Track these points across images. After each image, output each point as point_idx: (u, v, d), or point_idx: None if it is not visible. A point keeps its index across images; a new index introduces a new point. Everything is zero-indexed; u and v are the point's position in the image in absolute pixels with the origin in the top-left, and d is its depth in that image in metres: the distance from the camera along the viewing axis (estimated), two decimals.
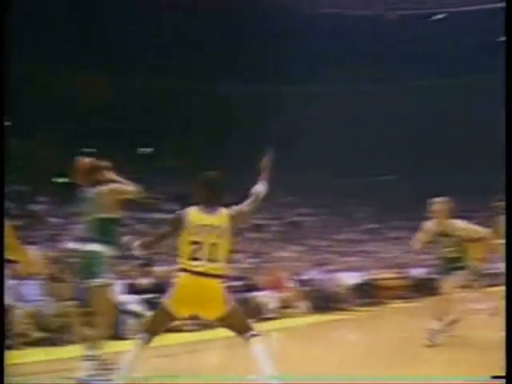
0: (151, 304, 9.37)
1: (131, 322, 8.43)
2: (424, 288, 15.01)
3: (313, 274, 13.38)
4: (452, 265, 6.87)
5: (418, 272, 16.16)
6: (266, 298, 11.28)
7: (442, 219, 6.91)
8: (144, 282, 9.85)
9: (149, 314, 9.09)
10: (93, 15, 27.06)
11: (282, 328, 10.10)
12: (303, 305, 11.94)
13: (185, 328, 8.72)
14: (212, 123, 31.09)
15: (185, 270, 4.14)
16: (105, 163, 5.27)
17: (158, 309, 4.36)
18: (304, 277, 13.06)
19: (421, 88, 33.56)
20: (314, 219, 26.09)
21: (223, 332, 4.59)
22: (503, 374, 3.31)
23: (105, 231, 5.05)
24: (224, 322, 4.28)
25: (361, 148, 32.13)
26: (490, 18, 25.30)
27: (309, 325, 10.59)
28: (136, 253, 4.52)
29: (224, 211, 4.24)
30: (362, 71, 32.21)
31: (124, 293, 9.05)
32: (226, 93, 31.64)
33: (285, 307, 11.75)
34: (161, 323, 4.33)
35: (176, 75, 30.32)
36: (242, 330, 4.25)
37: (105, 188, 5.09)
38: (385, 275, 15.66)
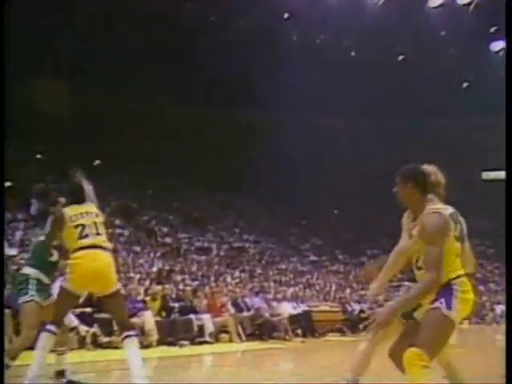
0: (86, 318, 9.23)
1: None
2: (361, 323, 15.22)
3: (252, 301, 13.36)
4: None
5: (356, 307, 16.36)
6: (204, 321, 11.21)
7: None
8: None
9: (82, 327, 8.96)
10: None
11: (217, 353, 10.05)
12: (240, 331, 11.91)
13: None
14: None
15: (76, 250, 4.59)
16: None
17: (58, 296, 4.67)
18: (243, 303, 13.02)
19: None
20: (260, 246, 26.13)
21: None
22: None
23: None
24: (112, 301, 4.62)
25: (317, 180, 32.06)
26: None
27: (243, 351, 10.57)
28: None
29: (90, 203, 4.87)
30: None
31: None
32: None
33: (221, 332, 11.71)
34: (65, 308, 4.74)
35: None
36: (123, 323, 4.66)
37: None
38: (323, 308, 15.83)
